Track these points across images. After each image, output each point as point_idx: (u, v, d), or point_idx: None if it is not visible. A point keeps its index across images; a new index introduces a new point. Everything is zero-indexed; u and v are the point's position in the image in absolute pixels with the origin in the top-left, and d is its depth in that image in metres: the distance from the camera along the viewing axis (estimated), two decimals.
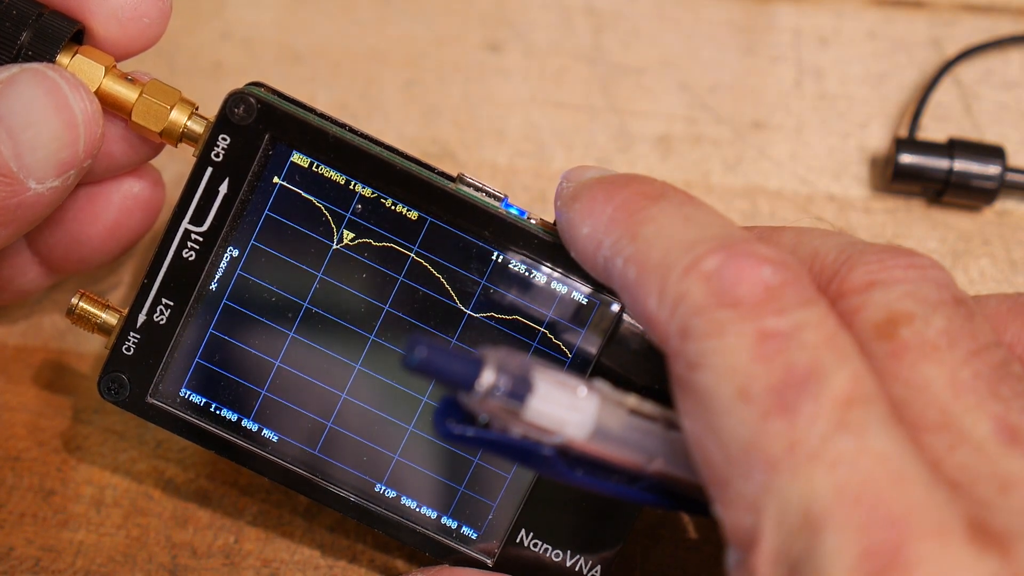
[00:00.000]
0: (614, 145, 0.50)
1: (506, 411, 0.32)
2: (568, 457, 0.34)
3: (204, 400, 0.41)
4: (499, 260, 0.40)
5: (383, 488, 0.41)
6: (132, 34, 0.39)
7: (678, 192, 0.36)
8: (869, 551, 0.28)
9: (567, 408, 0.33)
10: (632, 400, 0.35)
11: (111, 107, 0.39)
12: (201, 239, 0.40)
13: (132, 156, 0.41)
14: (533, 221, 0.40)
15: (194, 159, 0.40)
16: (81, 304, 0.41)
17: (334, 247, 0.40)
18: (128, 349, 0.40)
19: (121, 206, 0.42)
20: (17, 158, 0.37)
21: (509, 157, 0.50)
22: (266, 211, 0.40)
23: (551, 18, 0.52)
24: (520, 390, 0.32)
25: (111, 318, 0.41)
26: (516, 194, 0.49)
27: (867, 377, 0.31)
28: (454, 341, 0.40)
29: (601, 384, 0.34)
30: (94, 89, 0.39)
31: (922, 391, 0.31)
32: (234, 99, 0.39)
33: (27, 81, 0.37)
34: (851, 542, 0.28)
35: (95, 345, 0.47)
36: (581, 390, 0.33)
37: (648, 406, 0.35)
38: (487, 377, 0.32)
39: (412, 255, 0.40)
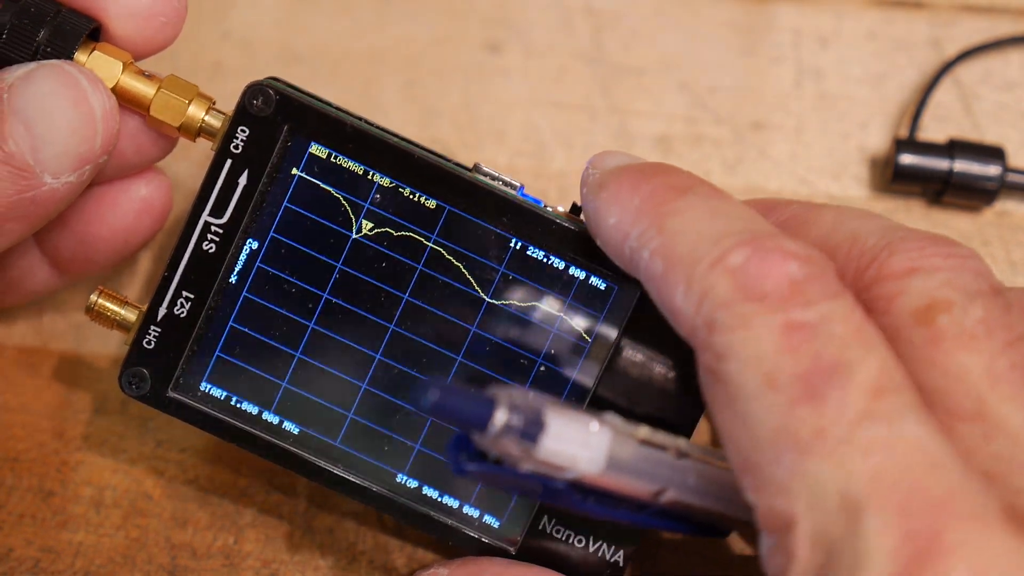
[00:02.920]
0: (614, 145, 0.50)
1: (519, 449, 0.32)
2: (581, 489, 0.34)
3: (225, 393, 0.41)
4: (517, 247, 0.40)
5: (405, 478, 0.41)
6: (148, 33, 0.40)
7: (704, 184, 0.36)
8: (910, 534, 0.28)
9: (579, 445, 0.33)
10: (643, 431, 0.35)
11: (129, 103, 0.40)
12: (221, 231, 0.40)
13: (143, 155, 0.41)
14: (550, 209, 0.40)
15: (212, 152, 0.40)
16: (100, 301, 0.41)
17: (353, 237, 0.40)
18: (149, 343, 0.40)
19: (129, 208, 0.42)
20: (34, 152, 0.37)
21: (509, 157, 0.50)
22: (285, 203, 0.40)
23: (551, 18, 0.52)
24: (532, 429, 0.32)
25: (130, 314, 0.41)
26: None
27: (895, 367, 0.31)
28: (474, 329, 0.40)
29: (612, 417, 0.35)
30: (112, 84, 0.39)
31: (958, 380, 0.32)
32: (253, 91, 0.39)
33: (45, 76, 0.37)
34: (892, 525, 0.28)
35: (96, 345, 0.47)
36: (593, 426, 0.34)
37: (660, 436, 0.35)
38: (500, 417, 0.32)
39: (431, 244, 0.40)
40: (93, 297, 0.41)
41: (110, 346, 0.47)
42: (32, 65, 0.38)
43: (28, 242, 0.43)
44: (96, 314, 0.41)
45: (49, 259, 0.43)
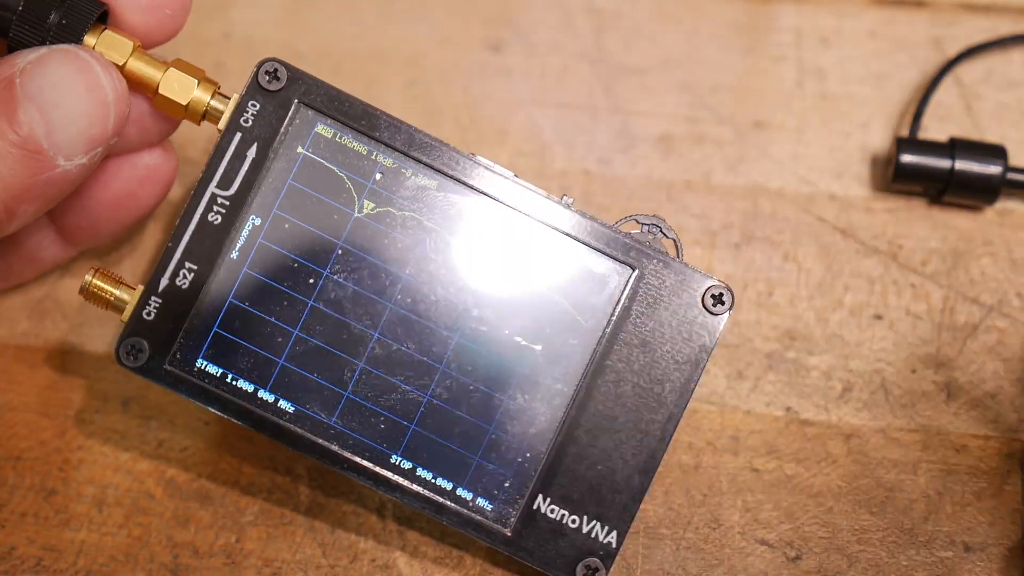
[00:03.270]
0: (615, 145, 0.50)
1: None
2: None
3: (221, 370, 0.41)
4: (517, 228, 0.41)
5: (399, 459, 0.41)
6: (153, 24, 0.40)
7: None
8: None
9: None
10: None
11: (136, 84, 0.40)
12: (228, 203, 0.40)
13: (145, 136, 0.42)
14: (544, 192, 0.41)
15: (219, 133, 0.40)
16: (95, 280, 0.41)
17: (355, 216, 0.40)
18: (149, 314, 0.40)
19: (132, 176, 0.42)
20: (48, 135, 0.37)
21: (510, 157, 0.50)
22: (289, 180, 0.40)
23: (552, 18, 0.52)
24: None
25: (124, 294, 0.41)
26: None
27: None
28: (472, 310, 0.41)
29: None
30: (122, 62, 0.39)
31: None
32: (265, 66, 0.40)
33: (58, 60, 0.38)
34: None
35: (96, 346, 0.47)
36: None
37: None
38: None
39: (432, 224, 0.40)
40: (88, 277, 0.41)
41: (111, 345, 0.47)
42: (43, 49, 0.38)
43: (42, 216, 0.43)
44: (90, 294, 0.41)
45: (56, 229, 0.44)
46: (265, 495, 0.45)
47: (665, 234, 0.41)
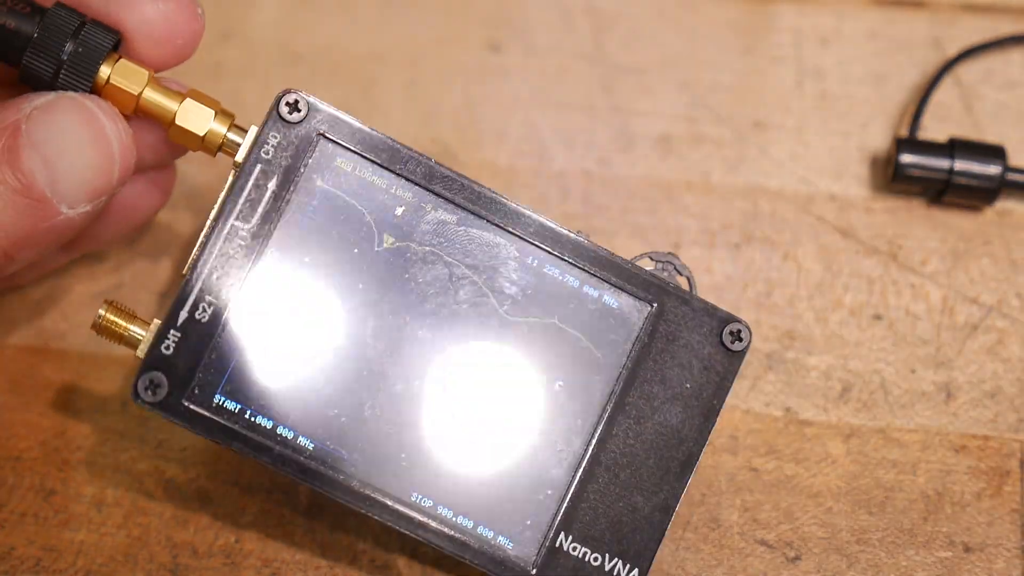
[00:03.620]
0: (615, 145, 0.50)
1: None
2: None
3: (239, 406, 0.40)
4: (533, 264, 0.40)
5: (419, 497, 0.41)
6: (164, 54, 0.40)
7: None
8: None
9: None
10: None
11: (150, 115, 0.40)
12: (248, 236, 0.39)
13: (160, 160, 0.42)
14: (566, 229, 0.41)
15: (238, 161, 0.40)
16: (107, 315, 0.40)
17: (375, 250, 0.40)
18: (168, 348, 0.39)
19: (131, 188, 0.42)
20: (52, 184, 0.37)
21: (510, 157, 0.50)
22: (309, 213, 0.40)
23: (551, 18, 0.52)
24: None
25: (139, 329, 0.40)
26: (516, 194, 0.49)
27: None
28: (490, 344, 0.40)
29: None
30: (137, 92, 0.39)
31: None
32: (285, 98, 0.39)
33: (65, 109, 0.37)
34: None
35: (96, 346, 0.47)
36: None
37: None
38: None
39: (451, 258, 0.40)
40: (101, 311, 0.40)
41: (111, 346, 0.47)
42: (51, 95, 0.38)
43: None
44: (103, 328, 0.40)
45: None
46: (265, 495, 0.45)
47: (679, 271, 0.42)
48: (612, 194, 0.49)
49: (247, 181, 0.39)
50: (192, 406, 0.39)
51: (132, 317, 0.40)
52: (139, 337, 0.40)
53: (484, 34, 0.52)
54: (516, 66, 0.51)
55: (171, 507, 0.45)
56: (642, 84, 0.51)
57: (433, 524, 0.40)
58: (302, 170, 0.40)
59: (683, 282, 0.42)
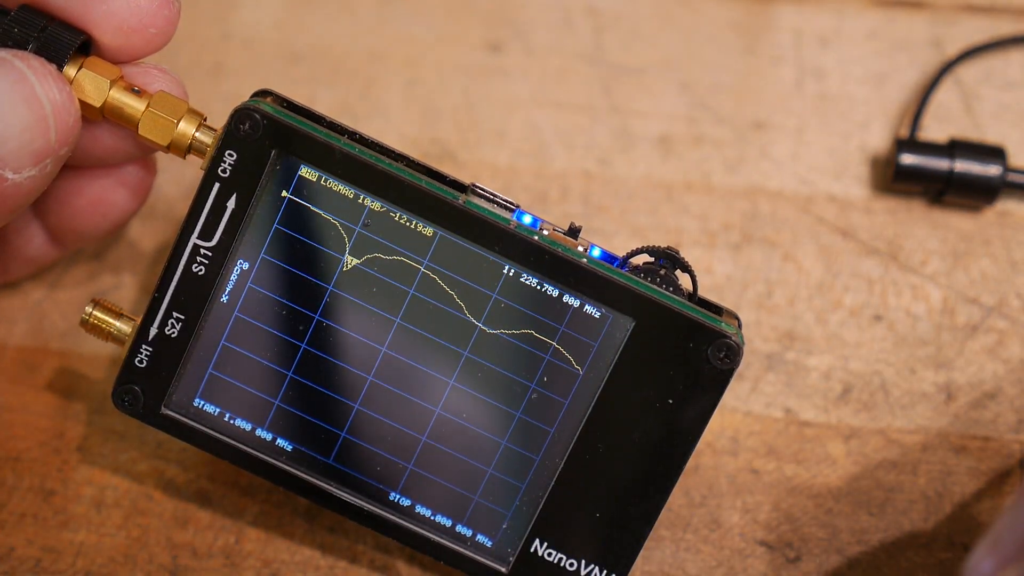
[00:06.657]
0: (615, 145, 0.50)
1: None
2: None
3: (218, 410, 0.41)
4: (510, 274, 0.40)
5: (398, 497, 0.41)
6: (138, 44, 0.39)
7: None
8: None
9: None
10: None
11: (119, 119, 0.39)
12: (211, 254, 0.40)
13: (134, 155, 0.41)
14: (545, 232, 0.40)
15: (201, 171, 0.39)
16: (95, 312, 0.41)
17: (344, 259, 0.40)
18: (141, 362, 0.40)
19: (106, 182, 0.42)
20: None
21: (509, 157, 0.50)
22: (275, 225, 0.40)
23: (552, 18, 0.52)
24: None
25: (125, 326, 0.41)
26: (516, 195, 0.49)
27: None
28: (466, 354, 0.40)
29: None
30: (100, 102, 0.39)
31: None
32: (240, 115, 0.38)
33: None
34: None
35: (96, 346, 0.47)
36: None
37: None
38: None
39: (423, 268, 0.40)
40: (88, 309, 0.41)
41: (110, 346, 0.47)
42: None
43: (27, 213, 0.43)
44: (91, 326, 0.41)
45: (44, 228, 0.44)
46: (264, 496, 0.45)
47: (680, 267, 0.40)
48: (612, 194, 0.49)
49: (206, 200, 0.39)
50: (171, 413, 0.41)
51: (118, 315, 0.41)
52: (127, 334, 0.41)
53: (484, 34, 0.52)
54: (516, 66, 0.51)
55: (171, 508, 0.45)
56: (642, 84, 0.51)
57: (411, 526, 0.41)
58: (264, 183, 0.39)
59: (684, 278, 0.41)
